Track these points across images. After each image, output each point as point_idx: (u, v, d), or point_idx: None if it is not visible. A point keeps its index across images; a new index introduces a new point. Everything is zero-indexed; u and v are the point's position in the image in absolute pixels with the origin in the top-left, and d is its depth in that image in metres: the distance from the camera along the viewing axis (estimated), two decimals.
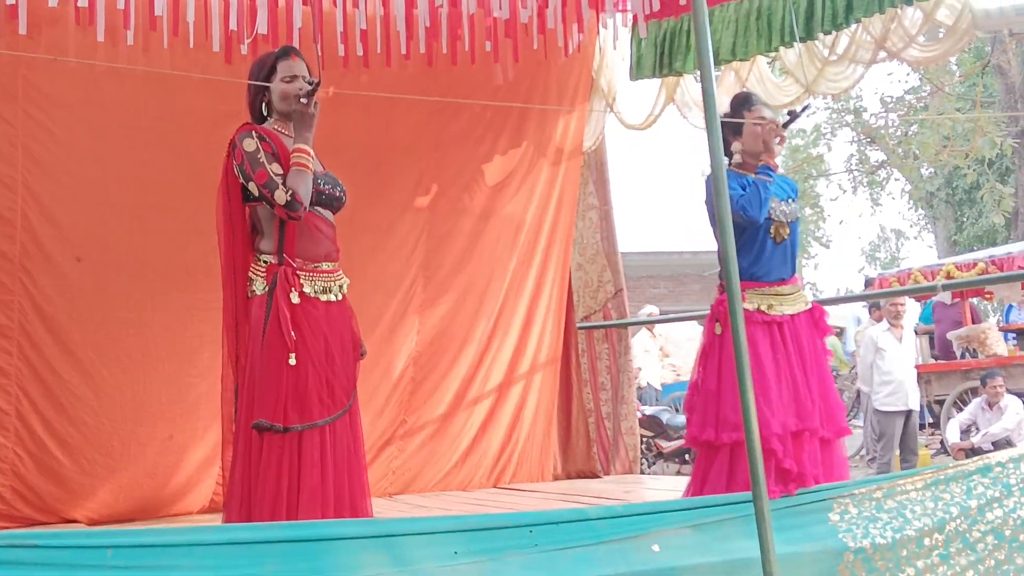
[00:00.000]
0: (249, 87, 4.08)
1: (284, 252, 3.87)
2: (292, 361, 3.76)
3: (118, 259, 5.95)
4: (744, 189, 4.58)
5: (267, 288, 3.84)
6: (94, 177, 5.89)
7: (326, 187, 3.98)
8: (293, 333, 3.77)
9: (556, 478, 7.48)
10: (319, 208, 3.96)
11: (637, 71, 7.19)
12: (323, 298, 3.90)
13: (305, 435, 3.78)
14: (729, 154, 4.83)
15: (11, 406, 5.74)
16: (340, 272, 4.04)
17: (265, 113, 4.09)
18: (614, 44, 7.20)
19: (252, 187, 3.84)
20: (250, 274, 3.92)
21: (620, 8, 6.85)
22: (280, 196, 3.77)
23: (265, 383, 3.78)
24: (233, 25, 5.69)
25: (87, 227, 5.90)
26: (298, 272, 3.85)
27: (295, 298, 3.81)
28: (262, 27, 5.69)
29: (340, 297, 3.99)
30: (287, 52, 4.06)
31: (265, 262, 3.89)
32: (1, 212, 5.70)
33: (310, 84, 3.91)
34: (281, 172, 3.82)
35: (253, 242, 3.99)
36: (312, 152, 3.90)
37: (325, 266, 3.95)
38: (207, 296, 5.89)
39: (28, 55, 5.40)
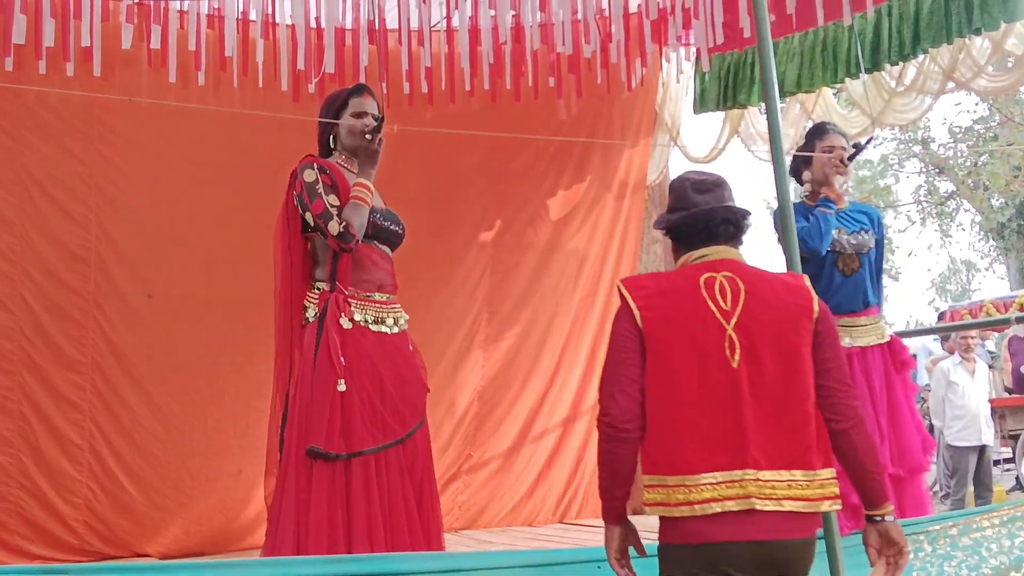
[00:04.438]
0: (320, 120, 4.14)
1: (337, 280, 3.90)
2: (342, 387, 3.78)
3: (188, 296, 6.04)
4: (808, 221, 4.54)
5: (318, 315, 3.87)
6: (165, 215, 6.00)
7: (383, 222, 4.01)
8: (343, 359, 3.79)
9: None
10: (375, 241, 3.99)
11: (701, 104, 7.18)
12: (375, 328, 3.91)
13: (353, 463, 3.78)
14: (801, 184, 4.79)
15: (84, 440, 5.84)
16: (397, 306, 4.04)
17: (333, 146, 4.14)
18: (677, 78, 7.20)
19: (309, 217, 3.88)
20: (304, 302, 3.96)
21: (683, 42, 6.85)
22: (333, 227, 3.82)
23: (316, 409, 3.80)
24: (301, 64, 5.78)
25: (158, 264, 6.00)
26: (349, 300, 3.88)
27: (345, 323, 3.84)
28: (329, 66, 5.77)
29: (396, 330, 3.99)
30: (360, 89, 4.13)
31: (319, 289, 3.93)
32: (75, 250, 5.83)
33: (376, 120, 3.96)
34: (338, 204, 3.87)
35: (311, 272, 4.04)
36: (372, 187, 3.93)
37: (378, 296, 3.96)
38: (272, 330, 5.97)
39: (102, 96, 5.53)
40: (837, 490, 2.72)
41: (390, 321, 3.98)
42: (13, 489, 5.73)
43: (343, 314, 3.84)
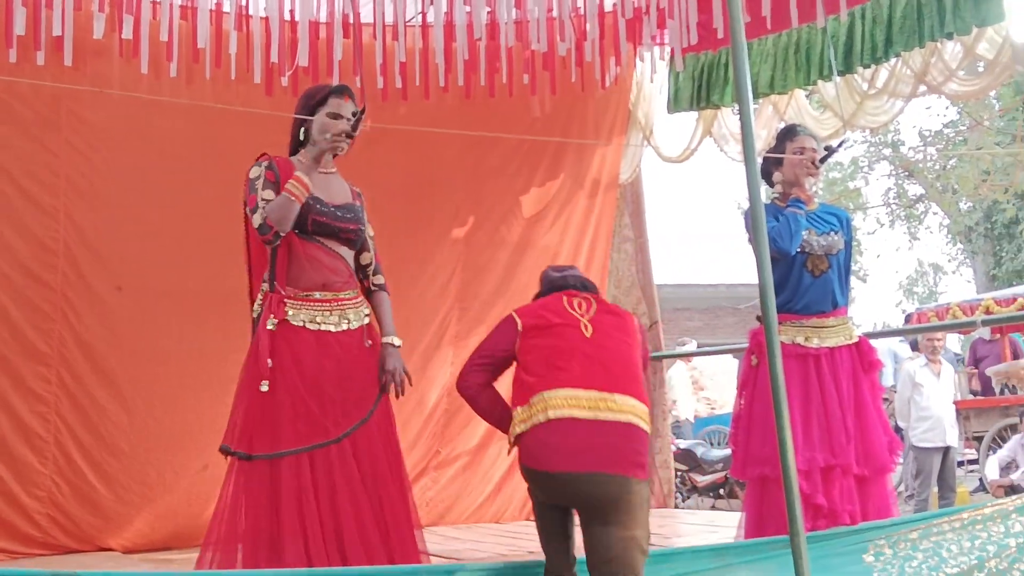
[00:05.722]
0: (295, 114, 4.10)
1: (275, 280, 3.85)
2: (264, 387, 3.72)
3: (157, 289, 6.01)
4: (778, 221, 4.56)
5: (258, 315, 3.86)
6: (135, 207, 5.96)
7: (327, 218, 3.90)
8: (270, 360, 3.73)
9: None
10: (320, 238, 3.89)
11: (674, 104, 7.20)
12: (312, 327, 3.82)
13: (281, 464, 3.71)
14: (772, 185, 4.81)
15: (49, 433, 5.79)
16: (349, 302, 3.94)
17: (302, 140, 4.07)
18: (651, 77, 7.21)
19: (247, 212, 3.87)
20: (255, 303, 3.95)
21: (657, 41, 6.87)
22: (256, 219, 3.77)
23: (236, 408, 3.78)
24: (274, 57, 5.76)
25: (127, 257, 5.96)
26: (285, 300, 3.82)
27: (271, 325, 3.77)
28: (303, 59, 5.74)
29: (344, 327, 3.89)
30: (342, 90, 4.05)
31: (263, 290, 3.89)
32: (43, 241, 5.78)
33: (351, 124, 3.91)
34: (272, 198, 3.80)
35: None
36: (306, 182, 3.79)
37: (319, 295, 3.86)
38: (243, 326, 5.89)
39: (73, 87, 5.48)
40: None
41: (334, 319, 3.88)
42: None
43: (272, 316, 3.78)
